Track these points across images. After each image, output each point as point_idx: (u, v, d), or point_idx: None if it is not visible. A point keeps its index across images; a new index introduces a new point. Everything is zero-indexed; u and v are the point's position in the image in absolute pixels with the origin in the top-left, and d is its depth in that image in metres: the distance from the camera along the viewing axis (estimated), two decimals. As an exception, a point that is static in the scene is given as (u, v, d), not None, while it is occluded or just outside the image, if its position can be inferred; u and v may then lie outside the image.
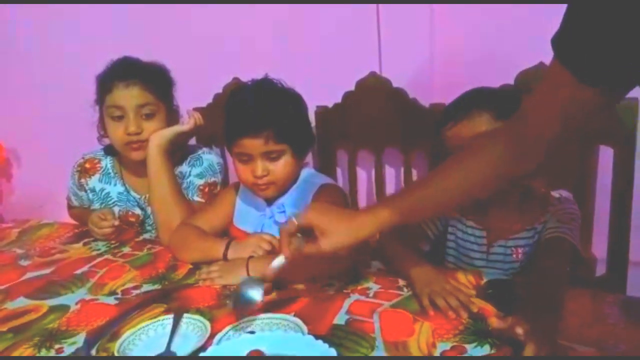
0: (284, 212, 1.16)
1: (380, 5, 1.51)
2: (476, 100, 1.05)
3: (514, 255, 1.08)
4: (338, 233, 0.79)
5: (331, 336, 0.79)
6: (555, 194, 1.10)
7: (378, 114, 1.46)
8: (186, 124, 1.33)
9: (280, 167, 1.11)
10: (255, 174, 1.10)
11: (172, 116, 1.36)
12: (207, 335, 0.81)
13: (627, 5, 0.56)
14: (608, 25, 0.59)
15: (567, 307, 0.81)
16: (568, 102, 0.69)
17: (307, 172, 1.22)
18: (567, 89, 0.67)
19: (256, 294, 0.84)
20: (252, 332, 0.81)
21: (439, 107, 1.31)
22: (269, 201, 1.18)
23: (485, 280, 0.95)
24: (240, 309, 0.84)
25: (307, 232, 0.80)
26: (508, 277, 1.00)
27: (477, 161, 0.81)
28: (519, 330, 0.70)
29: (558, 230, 1.02)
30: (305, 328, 0.80)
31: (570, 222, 1.04)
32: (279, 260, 0.81)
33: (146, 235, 1.37)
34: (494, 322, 0.75)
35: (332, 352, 0.65)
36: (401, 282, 0.96)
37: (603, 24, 0.59)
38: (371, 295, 0.93)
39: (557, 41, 0.67)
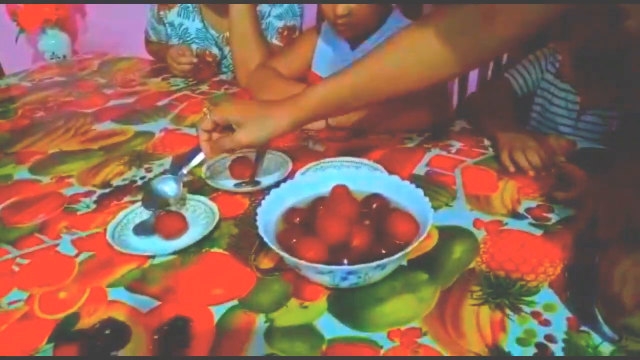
0: None
1: None
2: None
3: (609, 127, 1.00)
4: (252, 126, 0.74)
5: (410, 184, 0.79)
6: None
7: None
8: None
9: (363, 7, 1.04)
10: (336, 12, 1.04)
11: None
12: (289, 169, 0.83)
13: None
14: None
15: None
16: None
17: (395, 15, 1.13)
18: None
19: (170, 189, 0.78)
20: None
21: None
22: (352, 45, 1.13)
23: (578, 147, 0.90)
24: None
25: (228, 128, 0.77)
26: (600, 146, 0.92)
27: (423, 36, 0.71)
28: (559, 195, 0.73)
29: None
30: (386, 173, 0.80)
31: None
32: (199, 157, 0.80)
33: (222, 77, 1.37)
34: (560, 195, 0.74)
35: (420, 192, 0.64)
36: (486, 142, 0.92)
37: None
38: (453, 151, 0.90)
39: None
